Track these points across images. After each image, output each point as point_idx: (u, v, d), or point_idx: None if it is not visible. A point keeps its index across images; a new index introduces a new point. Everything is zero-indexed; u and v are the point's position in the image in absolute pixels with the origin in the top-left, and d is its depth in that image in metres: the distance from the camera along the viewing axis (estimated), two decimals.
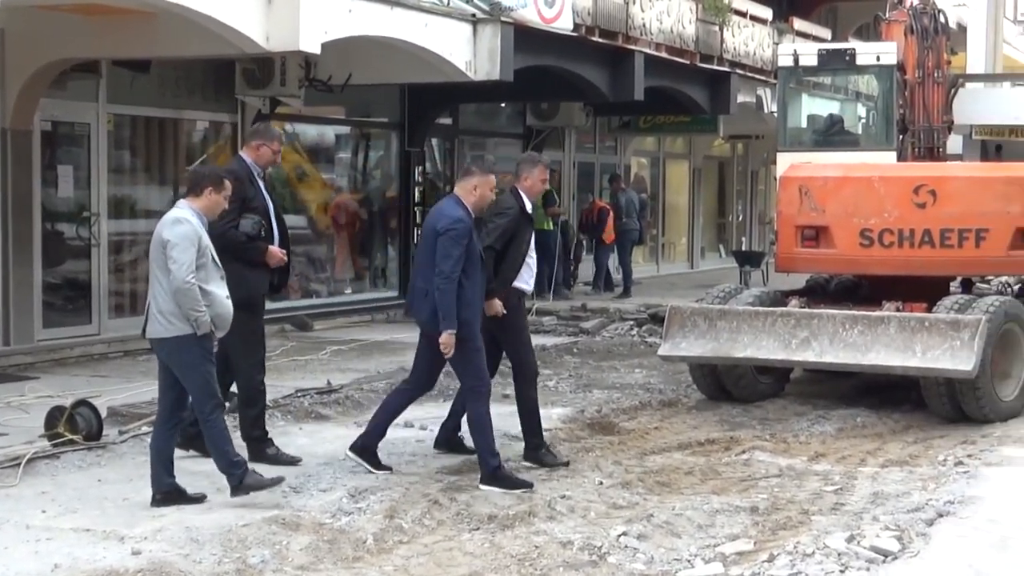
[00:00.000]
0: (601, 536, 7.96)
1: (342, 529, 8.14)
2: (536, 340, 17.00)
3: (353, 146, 21.07)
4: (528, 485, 9.32)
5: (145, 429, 10.74)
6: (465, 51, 16.80)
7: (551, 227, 21.80)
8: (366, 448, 9.80)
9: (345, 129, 20.79)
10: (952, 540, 7.95)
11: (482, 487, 9.29)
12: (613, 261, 25.16)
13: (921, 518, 8.33)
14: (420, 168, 20.99)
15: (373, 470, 9.66)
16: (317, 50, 14.19)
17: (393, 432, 11.30)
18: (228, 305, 8.71)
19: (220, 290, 8.65)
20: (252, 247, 9.75)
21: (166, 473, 8.72)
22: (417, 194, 20.87)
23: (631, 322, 18.95)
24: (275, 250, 9.90)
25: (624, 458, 10.41)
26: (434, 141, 21.96)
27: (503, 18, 17.15)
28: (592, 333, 18.25)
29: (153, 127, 17.13)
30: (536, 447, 10.17)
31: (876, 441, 11.27)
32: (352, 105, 20.00)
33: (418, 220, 20.78)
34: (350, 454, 9.79)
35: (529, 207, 10.30)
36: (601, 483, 9.48)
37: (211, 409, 8.67)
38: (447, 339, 9.21)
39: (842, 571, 7.24)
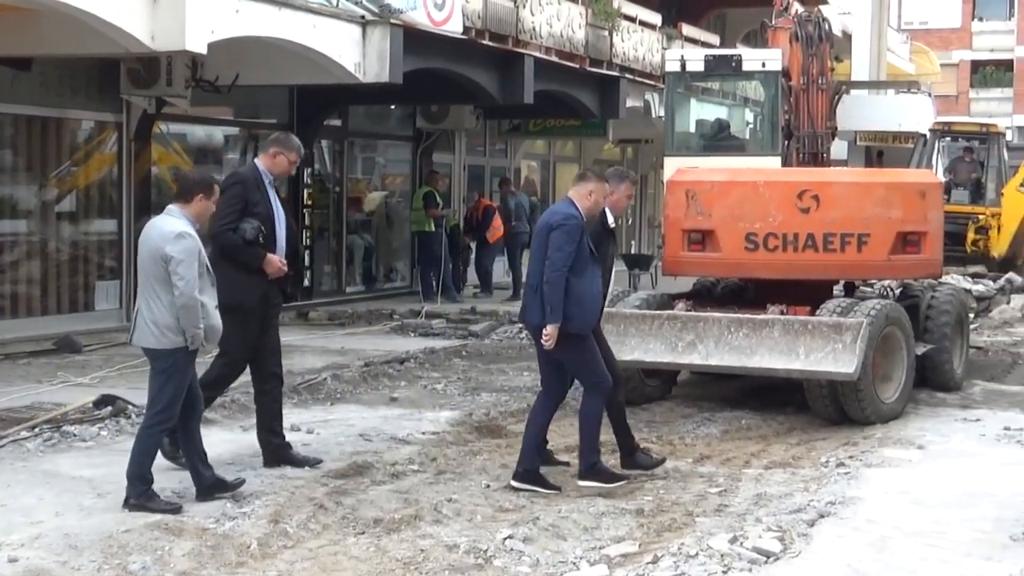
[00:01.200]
0: (487, 539, 7.96)
1: (226, 534, 8.05)
2: (425, 343, 17.10)
3: (242, 147, 20.87)
4: (624, 478, 9.53)
5: (24, 434, 10.55)
6: (354, 53, 16.74)
7: (433, 229, 21.78)
8: (529, 472, 9.58)
9: (233, 130, 20.60)
10: (832, 540, 8.06)
11: (581, 483, 9.43)
12: (504, 264, 25.22)
13: (803, 519, 8.44)
14: (309, 170, 20.85)
15: (547, 491, 9.41)
16: (203, 50, 14.05)
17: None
18: (218, 317, 8.71)
19: (212, 301, 8.64)
20: (250, 252, 9.54)
21: (204, 465, 8.86)
22: (306, 196, 20.73)
23: (520, 325, 18.96)
24: (274, 258, 9.69)
25: (512, 461, 10.35)
26: (323, 143, 21.83)
27: (392, 20, 17.11)
28: (481, 336, 18.24)
29: (35, 126, 16.83)
30: (631, 452, 10.10)
31: (760, 443, 11.39)
32: (240, 106, 19.83)
33: (307, 222, 20.67)
34: (516, 483, 9.48)
35: (612, 221, 10.23)
36: (488, 486, 9.48)
37: (160, 421, 8.66)
38: (551, 331, 9.24)
39: (724, 572, 7.31)
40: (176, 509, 8.55)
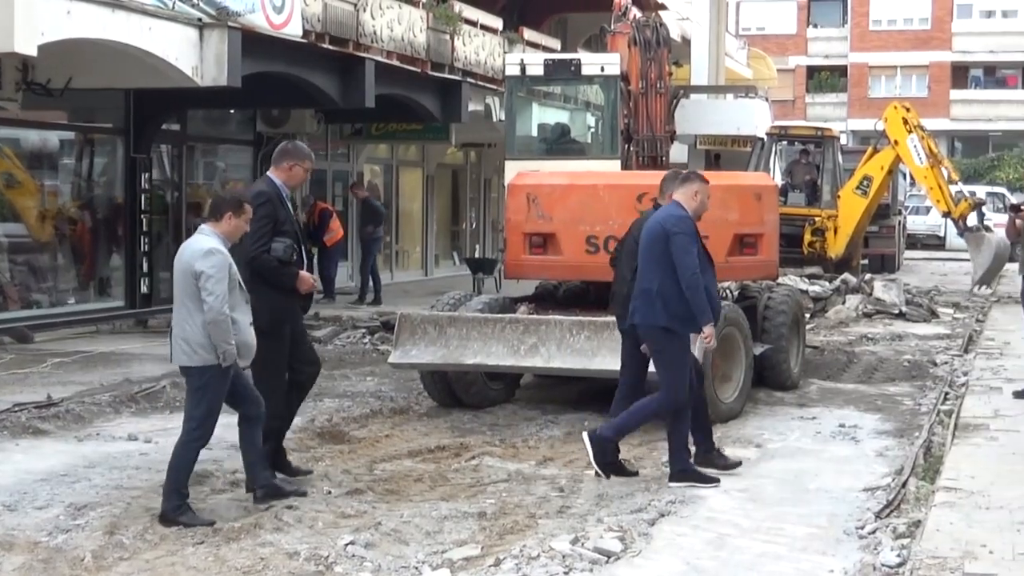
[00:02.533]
0: (328, 546, 7.89)
1: (59, 547, 7.86)
2: None
3: (77, 152, 20.43)
4: (716, 481, 9.55)
5: None
6: (191, 56, 16.49)
7: None
8: (685, 471, 9.65)
9: (68, 135, 20.14)
10: (672, 539, 8.16)
11: (671, 485, 9.48)
12: (347, 269, 25.07)
13: (643, 518, 8.54)
14: (147, 175, 20.46)
15: (707, 484, 9.54)
16: (33, 52, 13.73)
17: (116, 445, 11.08)
18: (252, 333, 8.67)
19: (245, 317, 8.59)
20: (285, 272, 9.36)
21: (262, 467, 8.91)
22: (144, 201, 20.35)
23: (363, 330, 18.88)
24: (306, 275, 9.59)
25: (354, 467, 10.35)
26: (162, 147, 21.46)
27: (230, 23, 16.89)
28: (324, 342, 18.08)
29: None
30: (708, 450, 10.06)
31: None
32: (75, 110, 19.40)
33: (145, 228, 20.30)
34: (674, 484, 9.53)
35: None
36: (330, 492, 9.39)
37: (195, 438, 8.60)
38: (710, 331, 9.49)
39: (566, 573, 7.36)
40: (210, 523, 8.41)
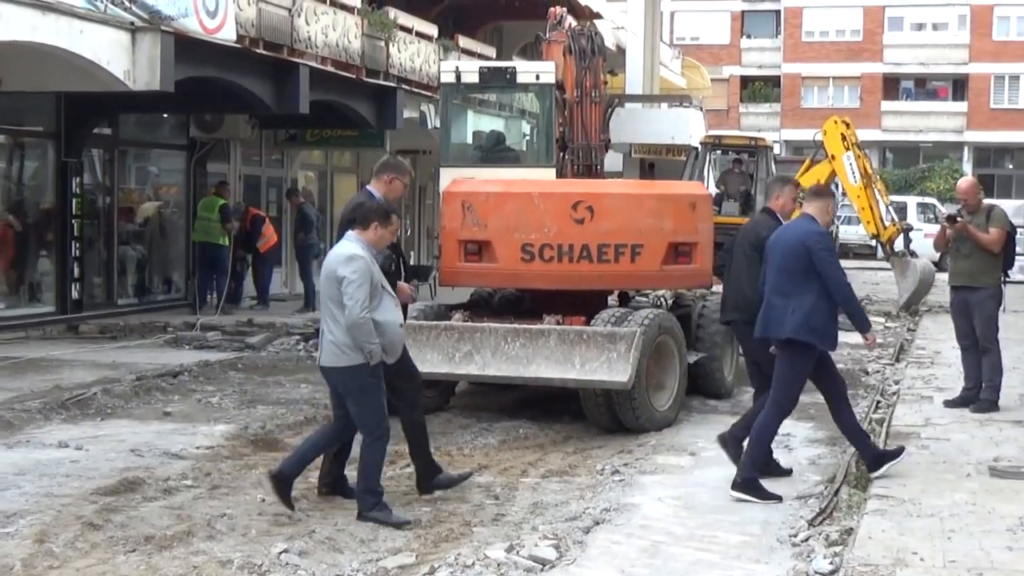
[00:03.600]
0: (262, 554, 7.84)
1: None
2: (199, 356, 16.79)
3: (6, 156, 20.17)
4: (778, 498, 9.42)
5: None
6: (123, 60, 16.35)
7: (227, 242, 21.37)
8: (748, 480, 9.55)
9: None
10: (607, 547, 8.18)
11: (733, 493, 9.43)
12: (281, 275, 24.93)
13: (578, 526, 8.55)
14: (78, 179, 20.27)
15: (764, 500, 9.42)
16: None
17: (46, 452, 10.96)
18: (400, 332, 9.01)
19: (393, 317, 8.85)
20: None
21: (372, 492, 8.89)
22: (75, 206, 20.14)
23: (297, 337, 18.78)
24: (404, 286, 9.76)
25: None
26: (93, 152, 21.24)
27: (163, 27, 16.77)
28: (258, 348, 17.99)
29: None
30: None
31: (537, 452, 11.47)
32: (4, 113, 19.15)
33: (76, 232, 20.09)
34: (735, 493, 9.48)
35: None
36: (263, 500, 9.33)
37: (378, 435, 8.88)
38: (872, 337, 9.91)
39: None
40: (406, 522, 8.70)
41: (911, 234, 25.81)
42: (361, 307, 8.54)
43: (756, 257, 10.20)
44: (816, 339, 9.55)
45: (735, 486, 9.54)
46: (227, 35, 18.27)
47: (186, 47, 17.28)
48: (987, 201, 13.41)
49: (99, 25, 16.01)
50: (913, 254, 25.18)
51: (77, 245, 20.20)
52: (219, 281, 21.44)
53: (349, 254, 8.69)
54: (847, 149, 25.30)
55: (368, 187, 10.01)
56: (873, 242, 27.10)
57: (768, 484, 9.60)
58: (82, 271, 20.34)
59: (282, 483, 9.00)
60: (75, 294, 20.10)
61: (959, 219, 12.30)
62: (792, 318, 9.48)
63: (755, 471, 9.63)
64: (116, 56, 16.25)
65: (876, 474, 9.56)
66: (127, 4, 16.65)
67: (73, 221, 20.08)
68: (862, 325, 9.71)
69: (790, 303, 9.52)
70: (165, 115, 22.71)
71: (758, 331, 9.81)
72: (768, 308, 9.72)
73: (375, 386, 8.84)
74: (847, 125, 25.83)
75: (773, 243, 9.87)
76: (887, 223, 25.37)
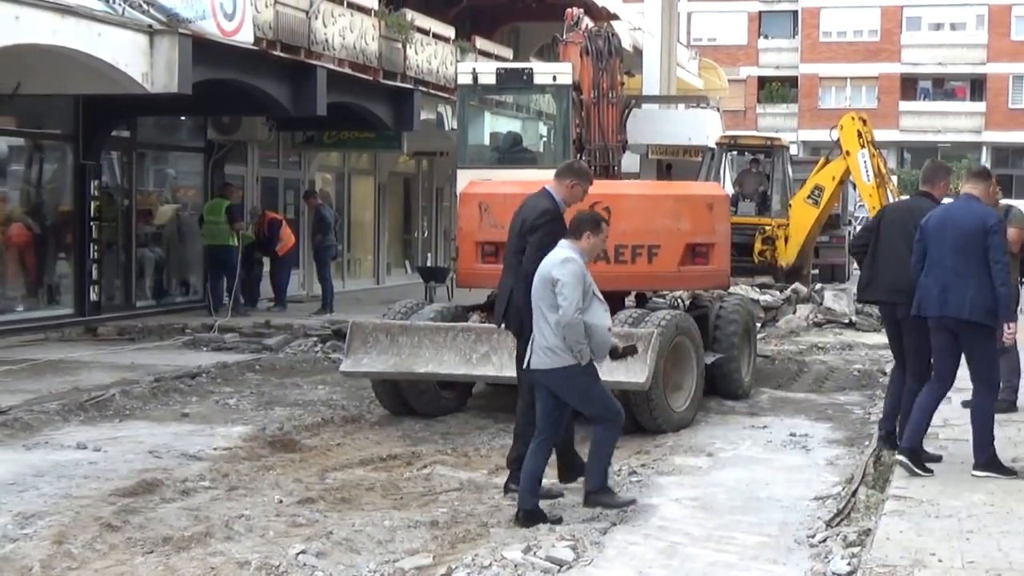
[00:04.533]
0: (279, 555, 7.85)
1: (6, 557, 7.79)
2: (217, 357, 16.83)
3: (26, 159, 20.26)
4: (1013, 472, 9.54)
5: None
6: (142, 62, 16.40)
7: (236, 243, 21.41)
8: (915, 451, 9.68)
9: (17, 141, 19.97)
10: (624, 547, 8.17)
11: (976, 473, 9.52)
12: (299, 277, 24.96)
13: (595, 527, 8.55)
14: (96, 182, 20.34)
15: (920, 472, 9.52)
16: None
17: (64, 454, 10.99)
18: (608, 336, 9.08)
19: (601, 321, 8.98)
20: None
21: (532, 494, 8.90)
22: (93, 208, 20.21)
23: (315, 338, 18.80)
24: None
25: (305, 476, 10.31)
26: (112, 154, 21.31)
27: (181, 30, 16.81)
28: (275, 350, 18.02)
29: None
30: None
31: (554, 453, 11.43)
32: (23, 116, 19.25)
33: (95, 235, 20.16)
34: (900, 458, 9.64)
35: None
36: (281, 501, 9.35)
37: (612, 419, 9.09)
38: (1015, 329, 9.79)
39: None
40: (631, 501, 9.13)
41: None
42: (575, 308, 8.71)
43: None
44: (992, 320, 9.67)
45: (977, 467, 9.62)
46: (245, 37, 18.31)
47: (204, 49, 17.32)
48: (1004, 201, 13.37)
49: (117, 28, 16.07)
50: None
51: (95, 247, 20.27)
52: (229, 282, 21.45)
53: (564, 257, 8.91)
54: (862, 147, 25.23)
55: (547, 187, 9.98)
56: None
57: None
58: (100, 273, 20.41)
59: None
60: (93, 296, 20.17)
61: None
62: (980, 299, 9.59)
63: (990, 450, 9.70)
64: (134, 59, 16.30)
65: (979, 474, 9.59)
66: (145, 7, 16.70)
67: (91, 223, 20.15)
68: (1007, 312, 9.73)
69: (968, 283, 9.60)
70: (183, 117, 22.78)
71: (915, 310, 9.92)
72: (943, 288, 9.74)
73: (593, 380, 9.04)
74: (864, 122, 25.75)
75: (942, 224, 9.86)
76: None
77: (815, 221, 26.70)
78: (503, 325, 10.13)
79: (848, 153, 25.39)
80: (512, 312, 9.80)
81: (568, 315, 8.70)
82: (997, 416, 11.73)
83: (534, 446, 9.06)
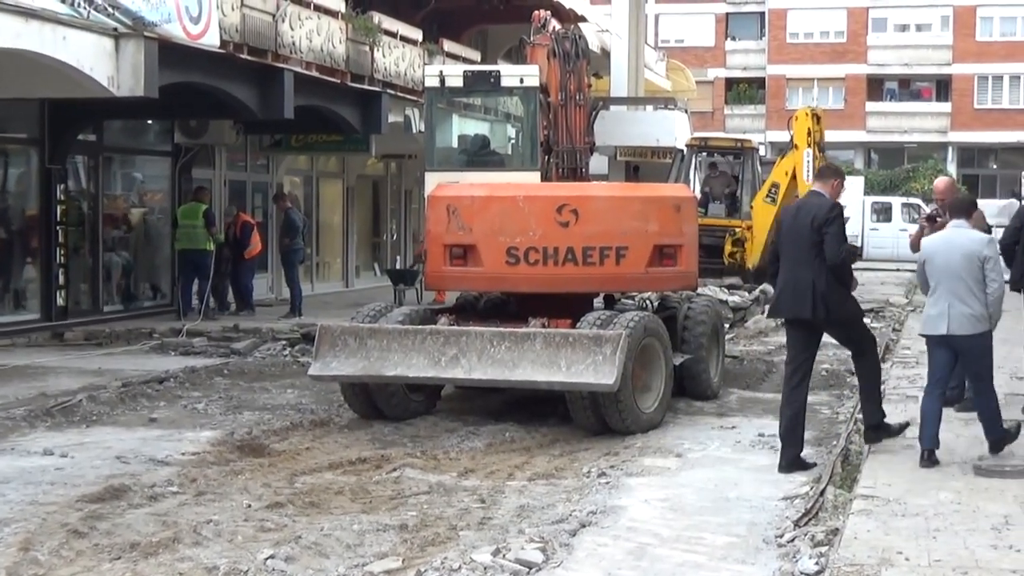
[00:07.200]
0: (248, 560, 7.83)
1: None
2: (185, 362, 16.77)
3: None
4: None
5: None
6: (107, 66, 16.32)
7: (212, 247, 21.30)
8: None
9: None
10: (593, 549, 8.18)
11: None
12: (267, 281, 24.89)
13: (564, 529, 8.55)
14: (62, 186, 20.23)
15: None
16: None
17: (31, 460, 10.94)
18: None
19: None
20: (851, 273, 10.73)
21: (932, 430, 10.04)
22: (59, 213, 20.11)
23: (283, 342, 18.76)
24: (856, 276, 10.93)
25: (274, 480, 10.28)
26: (78, 158, 21.21)
27: (146, 33, 16.73)
28: (244, 354, 17.97)
29: None
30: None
31: (524, 455, 11.47)
32: None
33: (61, 239, 20.05)
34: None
35: None
36: (249, 506, 9.32)
37: (991, 383, 10.28)
38: None
39: None
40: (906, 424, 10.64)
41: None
42: (1001, 284, 10.07)
43: None
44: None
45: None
46: (211, 41, 18.24)
47: (170, 53, 17.26)
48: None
49: (82, 31, 15.98)
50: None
51: (62, 252, 20.17)
52: (202, 286, 21.34)
53: (988, 238, 10.28)
54: (808, 145, 25.38)
55: (816, 188, 11.00)
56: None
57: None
58: (67, 278, 20.31)
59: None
60: (60, 301, 20.07)
61: (939, 219, 12.33)
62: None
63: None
64: (99, 62, 16.22)
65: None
66: (110, 10, 16.63)
67: (58, 228, 20.05)
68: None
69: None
70: (149, 121, 22.68)
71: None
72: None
73: (991, 348, 10.28)
74: (818, 119, 25.87)
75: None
76: None
77: (774, 219, 26.71)
78: (811, 315, 10.51)
79: (796, 147, 25.58)
80: (818, 299, 10.36)
81: (1001, 288, 10.05)
82: (963, 415, 11.84)
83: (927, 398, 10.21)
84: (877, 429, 10.72)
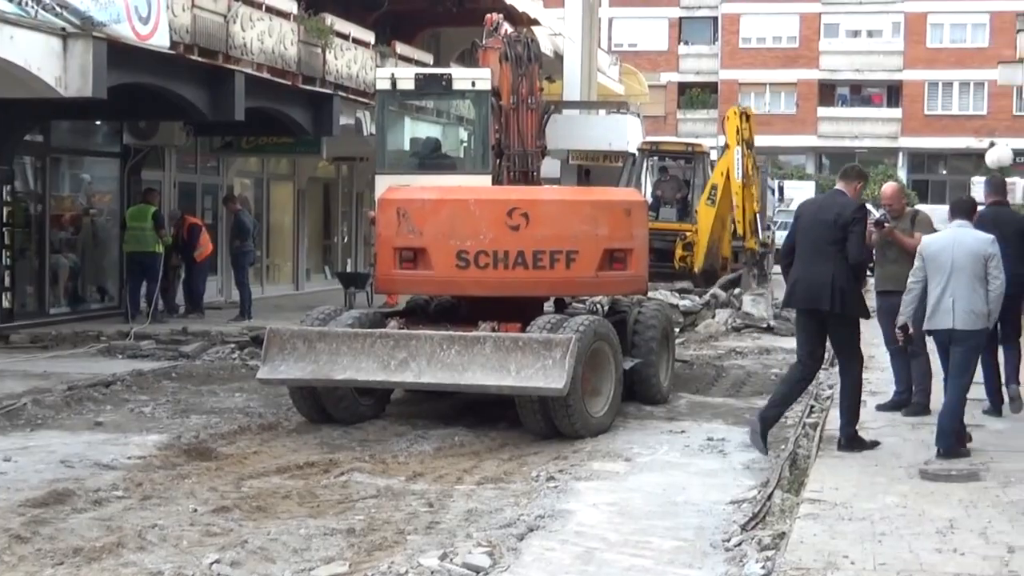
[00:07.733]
0: (193, 565, 7.77)
1: None
2: (133, 365, 16.64)
3: None
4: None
5: None
6: (55, 66, 16.17)
7: (161, 250, 21.14)
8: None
9: None
10: (541, 553, 8.16)
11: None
12: (217, 283, 24.76)
13: (512, 533, 8.53)
14: (9, 187, 20.03)
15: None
16: None
17: None
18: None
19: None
20: (865, 272, 11.37)
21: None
22: (5, 214, 19.90)
23: (232, 345, 18.64)
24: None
25: (221, 484, 10.20)
26: (25, 159, 21.01)
27: (95, 33, 16.60)
28: (192, 357, 17.84)
29: None
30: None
31: (473, 459, 11.44)
32: None
33: (7, 241, 19.86)
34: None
35: None
36: (196, 510, 9.25)
37: (969, 381, 10.50)
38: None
39: None
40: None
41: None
42: (1003, 281, 10.34)
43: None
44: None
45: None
46: (160, 41, 18.11)
47: (119, 53, 17.13)
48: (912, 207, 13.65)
49: (29, 31, 15.84)
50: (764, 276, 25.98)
51: (7, 253, 19.96)
52: (150, 289, 21.18)
53: (991, 238, 10.50)
54: (738, 144, 25.56)
55: (838, 187, 11.30)
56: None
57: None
58: (13, 280, 20.10)
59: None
60: (5, 303, 19.86)
61: (886, 224, 12.40)
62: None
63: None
64: (47, 62, 16.08)
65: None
66: (58, 9, 16.48)
67: (4, 229, 19.85)
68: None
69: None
70: (98, 122, 22.50)
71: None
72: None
73: (983, 345, 10.75)
74: (747, 118, 26.05)
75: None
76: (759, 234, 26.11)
77: (715, 220, 26.83)
78: (829, 307, 10.84)
79: (728, 147, 25.80)
80: (836, 293, 10.70)
81: (1003, 286, 10.35)
82: (911, 419, 11.92)
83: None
84: (851, 441, 10.76)
